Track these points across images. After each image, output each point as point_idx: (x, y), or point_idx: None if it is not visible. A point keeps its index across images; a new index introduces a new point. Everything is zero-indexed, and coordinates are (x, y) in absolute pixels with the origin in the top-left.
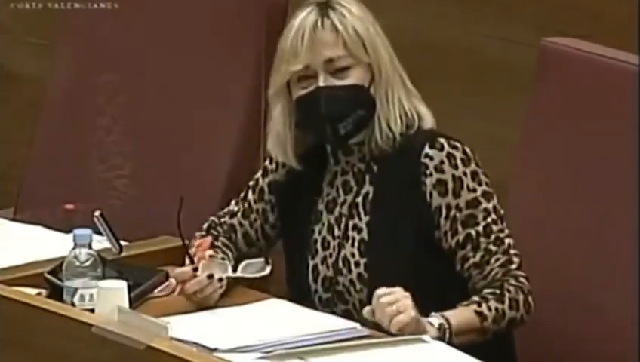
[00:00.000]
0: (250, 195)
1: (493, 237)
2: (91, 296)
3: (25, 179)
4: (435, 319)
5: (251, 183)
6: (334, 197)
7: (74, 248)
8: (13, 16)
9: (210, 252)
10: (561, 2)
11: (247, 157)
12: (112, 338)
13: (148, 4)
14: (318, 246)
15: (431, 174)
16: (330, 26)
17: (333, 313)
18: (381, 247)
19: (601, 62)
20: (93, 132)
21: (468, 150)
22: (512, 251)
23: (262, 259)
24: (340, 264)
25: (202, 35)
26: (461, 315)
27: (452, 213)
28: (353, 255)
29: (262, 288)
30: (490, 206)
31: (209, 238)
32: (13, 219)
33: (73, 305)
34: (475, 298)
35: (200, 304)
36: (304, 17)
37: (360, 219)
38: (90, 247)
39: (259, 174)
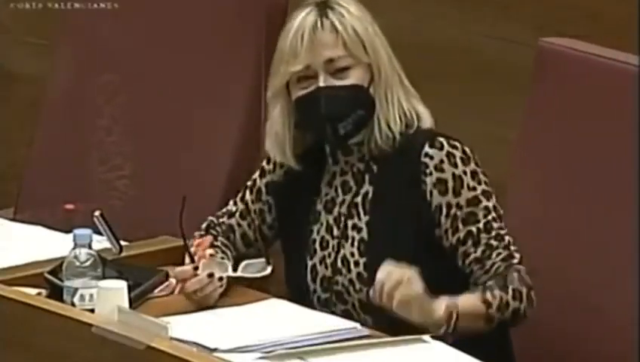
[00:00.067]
0: (247, 196)
1: (493, 233)
2: (91, 296)
3: (25, 179)
4: (442, 300)
5: (249, 184)
6: (333, 197)
7: (74, 248)
8: (13, 16)
9: (210, 251)
10: (560, 2)
11: (247, 158)
12: (112, 338)
13: (148, 4)
14: (317, 246)
15: (431, 173)
16: (330, 27)
17: (333, 313)
18: (381, 247)
19: (598, 62)
20: (94, 132)
21: (467, 149)
22: (512, 247)
23: (263, 259)
24: (339, 264)
25: (202, 35)
26: (467, 300)
27: (452, 211)
28: (353, 254)
29: (262, 288)
30: (490, 204)
31: (209, 237)
32: (13, 219)
33: (73, 305)
34: (479, 288)
35: (200, 303)
36: (303, 18)
37: (359, 218)
38: (90, 247)
39: (256, 175)
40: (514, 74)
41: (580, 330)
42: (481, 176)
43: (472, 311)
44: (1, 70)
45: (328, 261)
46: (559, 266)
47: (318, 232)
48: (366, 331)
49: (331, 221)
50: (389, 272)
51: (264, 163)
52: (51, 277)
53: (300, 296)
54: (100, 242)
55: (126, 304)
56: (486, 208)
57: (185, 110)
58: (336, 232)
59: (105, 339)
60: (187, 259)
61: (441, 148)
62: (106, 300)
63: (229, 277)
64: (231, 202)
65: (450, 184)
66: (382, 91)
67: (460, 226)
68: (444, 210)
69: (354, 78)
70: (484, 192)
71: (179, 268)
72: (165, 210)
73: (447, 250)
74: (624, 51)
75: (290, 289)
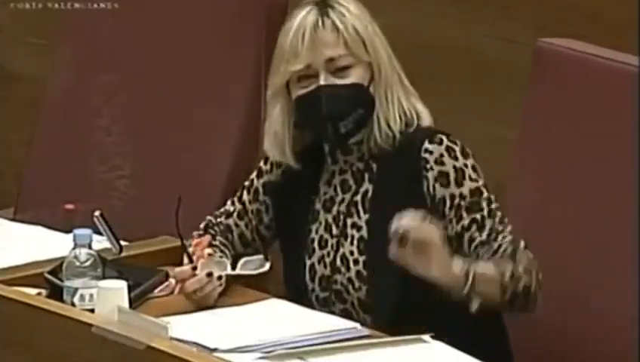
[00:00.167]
0: (245, 196)
1: (497, 219)
2: (91, 296)
3: (25, 179)
4: (459, 259)
5: (246, 184)
6: (332, 196)
7: (74, 248)
8: (13, 16)
9: (208, 250)
10: (560, 2)
11: (246, 158)
12: (112, 338)
13: (148, 4)
14: (315, 245)
15: (432, 168)
16: (331, 26)
17: (331, 312)
18: (380, 245)
19: (596, 62)
20: (93, 132)
21: (466, 148)
22: (516, 235)
23: (261, 256)
24: (338, 262)
25: (202, 35)
26: (482, 266)
27: (456, 201)
28: (352, 253)
29: (262, 288)
30: (492, 196)
31: (207, 237)
32: (13, 219)
33: (73, 305)
34: (490, 261)
35: (200, 303)
36: (303, 17)
37: (359, 217)
38: (90, 247)
39: (254, 175)
40: (514, 74)
41: (580, 330)
42: (480, 172)
43: (487, 276)
44: (1, 70)
45: (327, 260)
46: (559, 266)
47: (316, 231)
48: (366, 331)
49: (330, 220)
50: (409, 218)
51: (261, 163)
52: (51, 277)
53: (298, 295)
54: (100, 242)
55: (126, 304)
56: (488, 198)
57: (185, 110)
58: (335, 231)
59: (105, 339)
60: (185, 260)
61: (441, 143)
62: (106, 300)
63: (228, 276)
64: (229, 202)
65: (452, 176)
66: (382, 90)
67: (464, 214)
68: (448, 202)
69: (354, 76)
70: (485, 185)
71: (178, 269)
72: (165, 210)
73: (452, 239)
74: (625, 51)
75: (288, 289)
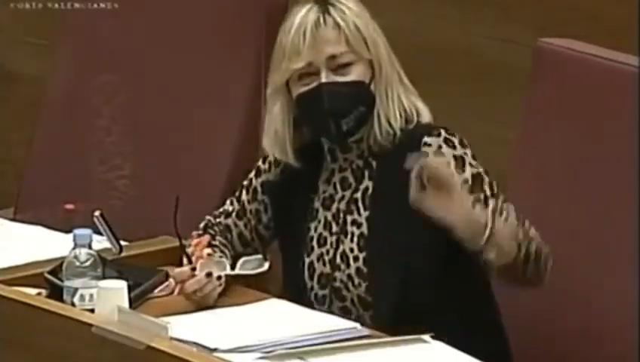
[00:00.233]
0: (244, 195)
1: (501, 199)
2: (91, 296)
3: (25, 179)
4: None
5: (245, 183)
6: (331, 194)
7: (74, 248)
8: (13, 16)
9: (208, 250)
10: (560, 3)
11: (247, 158)
12: (112, 338)
13: (148, 4)
14: (314, 243)
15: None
16: (333, 23)
17: (330, 310)
18: (380, 242)
19: (596, 62)
20: (93, 132)
21: (464, 139)
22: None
23: (260, 256)
24: (338, 259)
25: (202, 35)
26: (501, 220)
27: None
28: (352, 250)
29: (261, 288)
30: (494, 182)
31: (207, 237)
32: (13, 219)
33: (73, 305)
34: None
35: (200, 303)
36: (304, 15)
37: (359, 214)
38: (90, 247)
39: (252, 174)
40: (514, 75)
41: (580, 330)
42: (479, 163)
43: (505, 229)
44: (1, 70)
45: (326, 258)
46: (559, 266)
47: (315, 229)
48: (366, 331)
49: (329, 217)
50: (432, 158)
51: (259, 162)
52: (51, 277)
53: (297, 293)
54: (100, 242)
55: (126, 304)
56: (490, 183)
57: (185, 110)
58: (335, 228)
59: (105, 339)
60: (184, 260)
61: (439, 135)
62: (106, 300)
63: (227, 276)
64: (228, 201)
65: (452, 164)
66: (382, 88)
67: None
68: None
69: (355, 74)
70: (486, 172)
71: (177, 270)
72: (165, 210)
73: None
74: (625, 52)
75: (287, 288)
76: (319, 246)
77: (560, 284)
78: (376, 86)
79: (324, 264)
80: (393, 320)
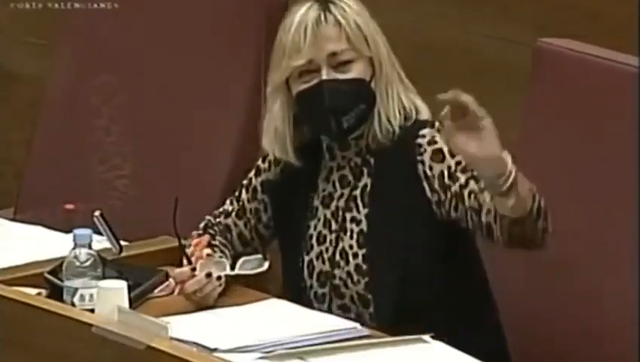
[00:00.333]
0: (243, 195)
1: None
2: (91, 296)
3: (25, 179)
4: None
5: (245, 183)
6: (331, 192)
7: (74, 248)
8: (13, 16)
9: (207, 250)
10: (560, 2)
11: (247, 157)
12: (112, 338)
13: (148, 4)
14: (314, 241)
15: (425, 150)
16: (333, 21)
17: (329, 308)
18: (380, 238)
19: (596, 62)
20: (93, 132)
21: None
22: None
23: (259, 256)
24: (338, 257)
25: (202, 35)
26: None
27: (452, 169)
28: (351, 247)
29: (261, 288)
30: None
31: (206, 237)
32: (13, 219)
33: (73, 305)
34: None
35: (200, 303)
36: (304, 13)
37: (358, 211)
38: (90, 247)
39: (252, 173)
40: (514, 74)
41: (580, 330)
42: None
43: (523, 178)
44: (1, 70)
45: (326, 255)
46: (559, 266)
47: (315, 228)
48: (366, 331)
49: (329, 215)
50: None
51: (259, 161)
52: (51, 277)
53: (296, 292)
54: (100, 242)
55: (126, 304)
56: None
57: (185, 110)
58: (334, 226)
59: (105, 339)
60: (184, 261)
61: (433, 126)
62: (106, 300)
63: (227, 276)
64: (227, 201)
65: (446, 148)
66: (382, 86)
67: (460, 175)
68: (446, 173)
69: (356, 71)
70: None
71: (177, 270)
72: (165, 210)
73: (453, 200)
74: (625, 51)
75: (287, 286)
76: (319, 244)
77: (560, 284)
78: (376, 84)
79: (323, 262)
80: (392, 316)
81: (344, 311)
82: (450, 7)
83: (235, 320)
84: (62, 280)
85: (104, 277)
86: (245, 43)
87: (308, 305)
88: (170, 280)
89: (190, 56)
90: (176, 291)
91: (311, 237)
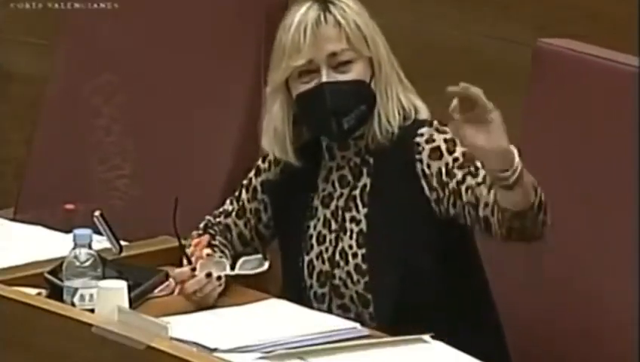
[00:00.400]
0: (243, 195)
1: None
2: (91, 296)
3: (25, 179)
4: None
5: (245, 182)
6: (330, 192)
7: (74, 248)
8: (13, 16)
9: (207, 250)
10: (560, 2)
11: (247, 158)
12: (112, 338)
13: (148, 4)
14: (314, 241)
15: (423, 148)
16: (333, 21)
17: (329, 308)
18: (379, 238)
19: (596, 62)
20: (93, 132)
21: None
22: None
23: (260, 256)
24: (337, 257)
25: (202, 35)
26: None
27: (450, 165)
28: (351, 247)
29: (262, 288)
30: None
31: (206, 237)
32: (13, 219)
33: (73, 305)
34: None
35: (200, 303)
36: (304, 13)
37: (358, 211)
38: (90, 247)
39: (252, 173)
40: (514, 74)
41: (580, 330)
42: None
43: (526, 170)
44: (0, 70)
45: (325, 255)
46: (559, 266)
47: (314, 228)
48: (366, 331)
49: (329, 215)
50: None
51: (259, 161)
52: (51, 277)
53: (296, 292)
54: (100, 242)
55: (126, 304)
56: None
57: (185, 110)
58: (334, 226)
59: (105, 339)
60: (184, 261)
61: (431, 125)
62: (106, 300)
63: (227, 276)
64: (227, 201)
65: (444, 146)
66: (382, 86)
67: (457, 171)
68: (444, 170)
69: (355, 72)
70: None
71: (177, 270)
72: (165, 210)
73: (452, 196)
74: (625, 51)
75: (286, 286)
76: (318, 244)
77: (560, 284)
78: (376, 85)
79: (323, 262)
80: (392, 316)
81: (344, 311)
82: (450, 7)
83: (235, 320)
84: (62, 280)
85: (104, 277)
86: (245, 43)
87: (308, 305)
88: (170, 280)
89: (190, 56)
90: (176, 291)
91: (311, 237)
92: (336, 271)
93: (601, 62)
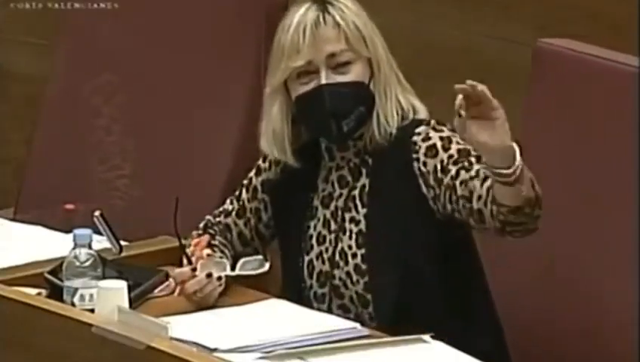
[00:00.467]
0: (244, 194)
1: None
2: (91, 296)
3: (25, 179)
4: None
5: (245, 182)
6: (330, 192)
7: (74, 248)
8: (13, 16)
9: (207, 251)
10: (560, 2)
11: (247, 158)
12: (112, 338)
13: (148, 4)
14: (314, 241)
15: (420, 147)
16: (332, 22)
17: (329, 308)
18: (378, 238)
19: (596, 62)
20: (93, 132)
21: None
22: None
23: (260, 257)
24: (337, 257)
25: (202, 35)
26: None
27: (445, 162)
28: (350, 247)
29: (262, 288)
30: (481, 156)
31: (206, 237)
32: (13, 219)
33: (73, 305)
34: None
35: (200, 303)
36: (303, 14)
37: (357, 211)
38: (90, 247)
39: (252, 173)
40: (514, 74)
41: (580, 330)
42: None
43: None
44: (0, 70)
45: (325, 256)
46: (559, 266)
47: (314, 228)
48: (366, 331)
49: (328, 215)
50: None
51: (260, 161)
52: (51, 277)
53: (296, 292)
54: (100, 242)
55: (126, 304)
56: (477, 156)
57: (185, 110)
58: (333, 226)
59: (105, 339)
60: (184, 261)
61: (428, 124)
62: (106, 300)
63: (227, 276)
64: (228, 201)
65: (439, 144)
66: (381, 87)
67: (452, 167)
68: (439, 167)
69: (354, 73)
70: (474, 149)
71: (177, 270)
72: (165, 210)
73: (447, 191)
74: (625, 51)
75: (286, 287)
76: (318, 244)
77: (560, 284)
78: (375, 85)
79: (323, 262)
80: (392, 316)
81: (344, 311)
82: (451, 7)
83: (235, 320)
84: (62, 280)
85: (104, 277)
86: (245, 43)
87: (308, 305)
88: (171, 280)
89: (190, 56)
90: (177, 291)
91: (311, 237)
92: (336, 272)
93: (601, 62)
